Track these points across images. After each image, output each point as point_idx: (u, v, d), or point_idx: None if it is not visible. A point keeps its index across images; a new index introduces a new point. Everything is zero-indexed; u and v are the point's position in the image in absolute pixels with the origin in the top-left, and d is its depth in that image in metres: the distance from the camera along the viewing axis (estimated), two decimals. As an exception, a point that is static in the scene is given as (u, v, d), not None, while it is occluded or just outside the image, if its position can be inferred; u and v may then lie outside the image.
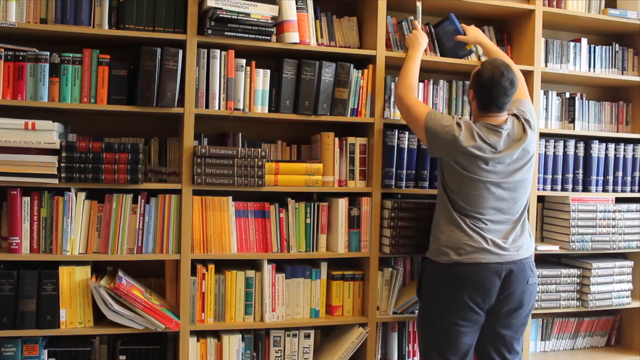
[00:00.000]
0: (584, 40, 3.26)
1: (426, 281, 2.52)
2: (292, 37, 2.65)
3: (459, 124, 2.41)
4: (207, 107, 2.61)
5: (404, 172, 2.83)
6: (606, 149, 3.22)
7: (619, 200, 3.23)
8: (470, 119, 2.60)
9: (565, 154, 3.16)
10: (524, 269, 2.42)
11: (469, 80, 2.59)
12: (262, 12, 2.57)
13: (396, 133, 2.80)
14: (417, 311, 2.64)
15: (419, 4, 2.87)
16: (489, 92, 2.41)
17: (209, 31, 2.53)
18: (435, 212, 2.57)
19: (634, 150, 3.28)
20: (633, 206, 3.22)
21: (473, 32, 2.91)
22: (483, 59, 2.94)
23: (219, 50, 2.60)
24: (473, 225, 2.40)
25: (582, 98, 3.29)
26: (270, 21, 2.60)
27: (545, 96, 3.19)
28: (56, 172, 2.41)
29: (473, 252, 2.38)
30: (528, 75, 3.05)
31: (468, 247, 2.38)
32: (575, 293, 3.17)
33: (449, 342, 2.40)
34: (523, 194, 2.48)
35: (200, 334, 2.68)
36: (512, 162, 2.43)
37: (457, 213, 2.43)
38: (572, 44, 3.23)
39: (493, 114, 2.45)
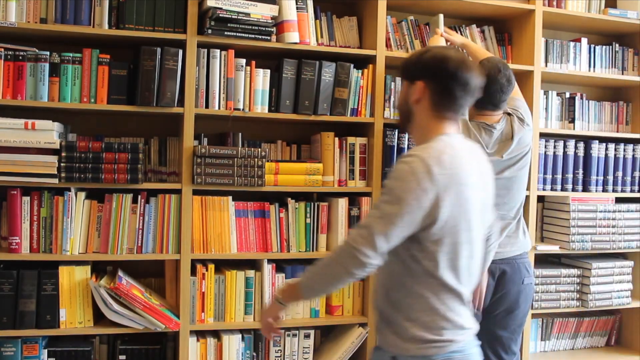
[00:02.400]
0: (584, 40, 3.26)
1: None
2: (292, 37, 2.65)
3: None
4: (207, 107, 2.61)
5: (404, 172, 2.83)
6: (606, 148, 3.22)
7: (619, 200, 3.23)
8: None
9: (565, 154, 3.16)
10: (519, 269, 2.41)
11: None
12: (262, 12, 2.58)
13: (396, 133, 2.80)
14: None
15: (440, 15, 2.89)
16: (486, 89, 2.37)
17: (209, 31, 2.53)
18: None
19: (634, 150, 3.28)
20: (633, 206, 3.22)
21: (449, 36, 2.90)
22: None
23: (218, 50, 2.61)
24: None
25: (582, 98, 3.29)
26: (270, 21, 2.60)
27: (545, 96, 3.19)
28: (56, 172, 2.41)
29: None
30: (528, 75, 3.06)
31: None
32: (575, 293, 3.17)
33: None
34: (518, 190, 2.47)
35: (200, 334, 2.68)
36: (505, 160, 2.42)
37: None
38: (572, 43, 3.23)
39: (489, 112, 2.45)
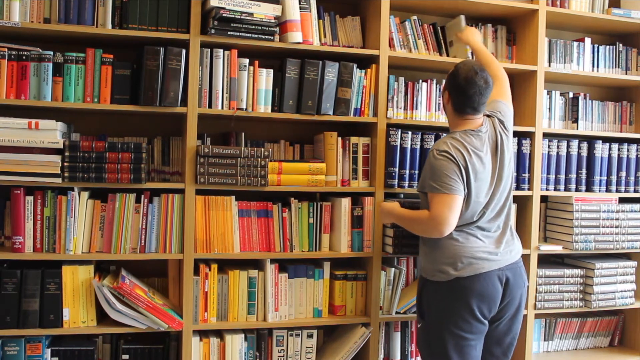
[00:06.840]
0: (588, 40, 3.26)
1: (427, 301, 2.41)
2: (295, 36, 2.65)
3: (449, 158, 2.29)
4: (210, 106, 2.61)
5: (407, 171, 2.83)
6: (609, 149, 3.22)
7: (622, 201, 3.22)
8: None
9: (568, 154, 3.16)
10: (521, 274, 2.40)
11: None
12: (265, 12, 2.58)
13: (399, 133, 2.80)
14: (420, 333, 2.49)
15: (462, 16, 2.89)
16: (464, 91, 2.35)
17: (212, 31, 2.53)
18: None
19: (637, 150, 3.27)
20: (636, 206, 3.21)
21: (468, 32, 2.88)
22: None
23: (222, 50, 2.61)
24: (468, 235, 2.34)
25: (585, 98, 3.29)
26: (274, 21, 2.60)
27: (548, 96, 3.19)
28: (59, 172, 2.41)
29: (470, 263, 2.30)
30: (531, 75, 3.05)
31: (465, 259, 2.30)
32: (578, 293, 3.16)
33: (462, 358, 2.32)
34: (507, 196, 2.44)
35: (203, 334, 2.68)
36: (497, 164, 2.40)
37: None
38: (575, 43, 3.22)
39: (469, 116, 2.39)
